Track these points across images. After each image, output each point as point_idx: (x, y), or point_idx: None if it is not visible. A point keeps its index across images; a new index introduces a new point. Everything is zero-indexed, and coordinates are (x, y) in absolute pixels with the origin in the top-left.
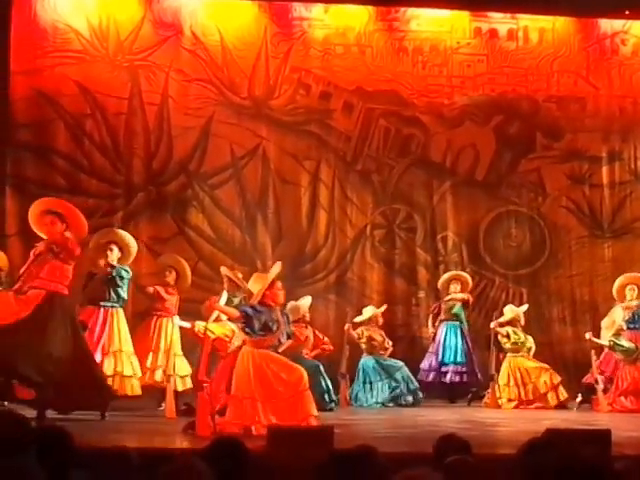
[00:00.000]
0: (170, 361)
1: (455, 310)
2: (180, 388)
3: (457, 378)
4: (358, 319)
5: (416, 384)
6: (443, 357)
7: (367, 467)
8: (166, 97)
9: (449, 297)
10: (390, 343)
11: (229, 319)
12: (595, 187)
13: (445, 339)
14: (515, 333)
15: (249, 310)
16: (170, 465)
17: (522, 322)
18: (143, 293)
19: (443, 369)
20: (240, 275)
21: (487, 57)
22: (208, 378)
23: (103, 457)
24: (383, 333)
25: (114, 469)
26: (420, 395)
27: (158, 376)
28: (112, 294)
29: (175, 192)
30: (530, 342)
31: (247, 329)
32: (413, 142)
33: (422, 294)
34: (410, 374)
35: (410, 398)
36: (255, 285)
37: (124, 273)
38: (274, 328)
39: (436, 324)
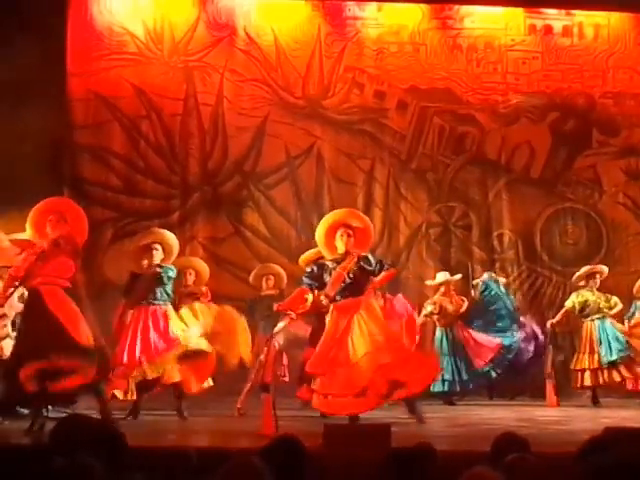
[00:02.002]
0: None
1: None
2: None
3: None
4: (429, 282)
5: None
6: None
7: (427, 465)
8: (221, 98)
9: None
10: (466, 303)
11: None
12: None
13: None
14: (580, 296)
15: (305, 280)
16: (228, 463)
17: (595, 283)
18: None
19: None
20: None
21: (542, 54)
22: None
23: (162, 456)
24: (457, 299)
25: (174, 469)
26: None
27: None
28: (161, 293)
29: (231, 192)
30: (608, 301)
31: (316, 292)
32: (468, 140)
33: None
34: (464, 372)
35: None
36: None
37: (171, 273)
38: (327, 279)
39: None
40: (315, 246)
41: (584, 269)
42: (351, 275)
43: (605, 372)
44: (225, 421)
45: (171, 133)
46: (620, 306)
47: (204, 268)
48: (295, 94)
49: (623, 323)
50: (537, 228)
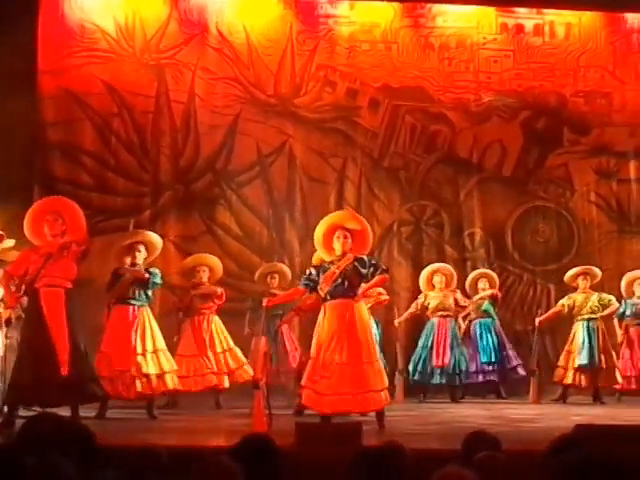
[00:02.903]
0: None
1: (484, 307)
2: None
3: (492, 377)
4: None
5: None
6: (482, 358)
7: (396, 464)
8: (193, 95)
9: (478, 296)
10: (466, 302)
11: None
12: (623, 182)
13: (481, 339)
14: (569, 298)
15: (304, 280)
16: (200, 463)
17: (581, 285)
18: (203, 294)
19: (485, 369)
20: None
21: (514, 52)
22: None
23: (133, 456)
24: (461, 298)
25: (144, 468)
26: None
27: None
28: (142, 294)
29: (202, 190)
30: (598, 302)
31: (313, 291)
32: (440, 138)
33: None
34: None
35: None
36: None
37: (158, 279)
38: (320, 278)
39: (466, 322)
40: (287, 244)
41: (575, 269)
42: (344, 275)
43: (576, 373)
44: (198, 419)
45: (142, 131)
46: (615, 305)
47: (218, 265)
48: (267, 92)
49: (612, 322)
50: (508, 226)
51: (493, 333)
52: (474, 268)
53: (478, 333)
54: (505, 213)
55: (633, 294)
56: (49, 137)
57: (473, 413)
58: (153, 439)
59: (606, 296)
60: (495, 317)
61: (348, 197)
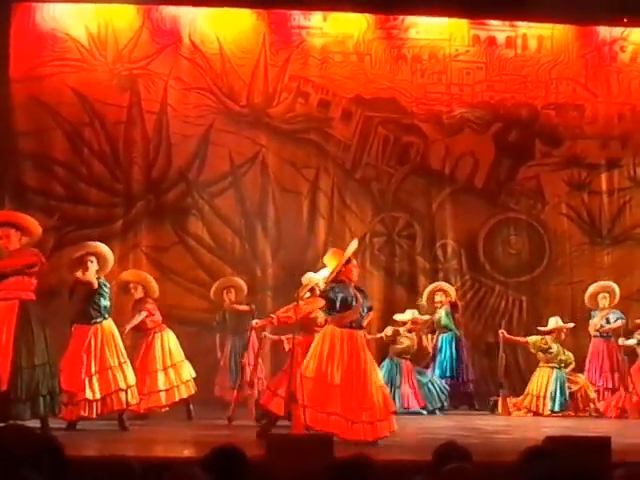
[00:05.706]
0: (179, 373)
1: (443, 322)
2: (185, 395)
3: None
4: (397, 317)
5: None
6: (437, 372)
7: (363, 476)
8: (165, 105)
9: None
10: (430, 354)
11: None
12: (594, 194)
13: (440, 352)
14: (544, 341)
15: (330, 293)
16: (169, 474)
17: (562, 337)
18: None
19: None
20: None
21: (486, 64)
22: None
23: (104, 468)
24: (416, 340)
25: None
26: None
27: (183, 392)
28: (92, 311)
29: (174, 201)
30: (566, 356)
31: (328, 310)
32: (412, 150)
33: (422, 301)
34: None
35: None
36: (331, 260)
37: (103, 290)
38: (353, 303)
39: (433, 338)
40: (259, 255)
41: (553, 324)
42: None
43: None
44: (170, 430)
45: (114, 141)
46: (573, 365)
47: (150, 280)
48: (240, 103)
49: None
50: (480, 238)
51: (453, 346)
52: (446, 280)
53: (439, 347)
54: (477, 225)
55: (597, 306)
56: (20, 147)
57: (444, 424)
58: (124, 450)
59: (568, 353)
60: (454, 329)
61: (320, 208)
